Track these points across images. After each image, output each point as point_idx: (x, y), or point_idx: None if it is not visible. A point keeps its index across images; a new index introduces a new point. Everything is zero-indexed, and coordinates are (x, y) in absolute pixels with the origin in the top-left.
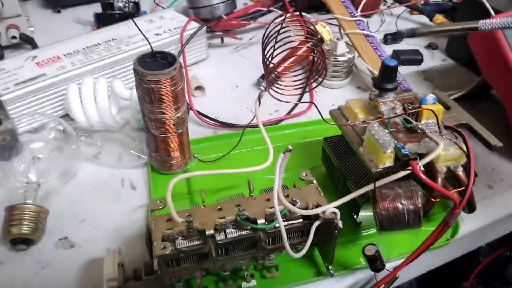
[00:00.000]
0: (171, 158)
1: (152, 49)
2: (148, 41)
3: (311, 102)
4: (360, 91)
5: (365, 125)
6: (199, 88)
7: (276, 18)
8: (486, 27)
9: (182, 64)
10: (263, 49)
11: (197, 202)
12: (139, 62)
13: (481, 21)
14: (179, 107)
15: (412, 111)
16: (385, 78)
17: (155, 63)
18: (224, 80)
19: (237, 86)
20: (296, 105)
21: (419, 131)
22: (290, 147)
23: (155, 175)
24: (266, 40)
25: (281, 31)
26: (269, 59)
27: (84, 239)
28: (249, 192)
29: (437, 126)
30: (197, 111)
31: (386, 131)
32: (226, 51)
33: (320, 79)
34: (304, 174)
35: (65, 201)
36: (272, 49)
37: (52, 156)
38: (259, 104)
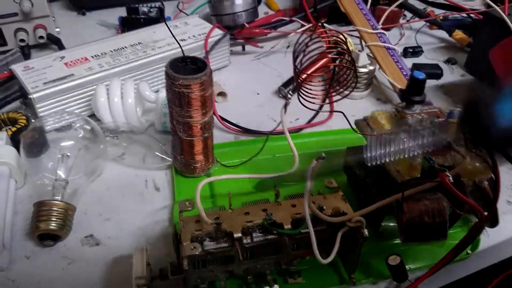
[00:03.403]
0: (195, 162)
1: (183, 54)
2: (180, 46)
3: (339, 112)
4: (380, 102)
5: (392, 136)
6: (221, 94)
7: (307, 29)
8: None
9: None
10: (294, 59)
11: (221, 205)
12: (170, 66)
13: None
14: (206, 112)
15: (440, 124)
16: (413, 91)
17: (185, 67)
18: (245, 87)
19: (258, 93)
20: (316, 114)
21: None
22: (323, 154)
23: (179, 178)
24: (297, 49)
25: (312, 41)
26: (300, 68)
27: (109, 237)
28: (275, 197)
29: (463, 140)
30: (220, 116)
31: (414, 142)
32: (247, 59)
33: (349, 90)
34: (329, 182)
35: (91, 199)
36: (302, 59)
37: (80, 154)
38: (285, 111)
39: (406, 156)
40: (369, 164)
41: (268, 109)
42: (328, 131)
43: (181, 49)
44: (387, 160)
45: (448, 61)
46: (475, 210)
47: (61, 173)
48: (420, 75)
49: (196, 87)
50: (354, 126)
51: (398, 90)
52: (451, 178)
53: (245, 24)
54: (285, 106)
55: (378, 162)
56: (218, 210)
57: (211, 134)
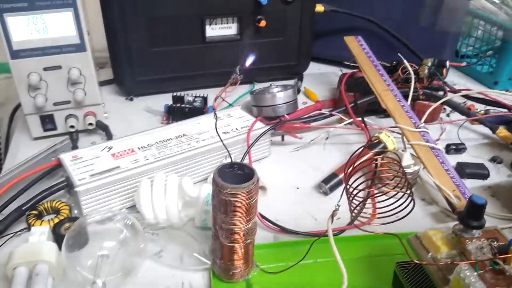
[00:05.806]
0: (234, 267)
1: (227, 150)
2: (227, 149)
3: (394, 235)
4: (425, 203)
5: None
6: (261, 188)
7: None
8: None
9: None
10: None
11: None
12: (219, 173)
13: None
14: (250, 219)
15: (502, 256)
16: (472, 216)
17: (232, 173)
18: (285, 181)
19: (297, 188)
20: (358, 215)
21: (507, 274)
22: None
23: (216, 282)
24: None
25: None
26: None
27: None
28: None
29: None
30: (260, 214)
31: (475, 273)
32: (286, 150)
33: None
34: None
35: None
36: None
37: (120, 253)
38: (332, 221)
39: None
40: None
41: (308, 206)
42: (372, 235)
43: (226, 149)
44: None
45: (493, 160)
46: None
47: (99, 278)
48: (480, 200)
49: (243, 196)
50: (404, 242)
51: (455, 213)
52: None
53: (285, 115)
54: (332, 216)
55: None
56: None
57: (253, 240)
